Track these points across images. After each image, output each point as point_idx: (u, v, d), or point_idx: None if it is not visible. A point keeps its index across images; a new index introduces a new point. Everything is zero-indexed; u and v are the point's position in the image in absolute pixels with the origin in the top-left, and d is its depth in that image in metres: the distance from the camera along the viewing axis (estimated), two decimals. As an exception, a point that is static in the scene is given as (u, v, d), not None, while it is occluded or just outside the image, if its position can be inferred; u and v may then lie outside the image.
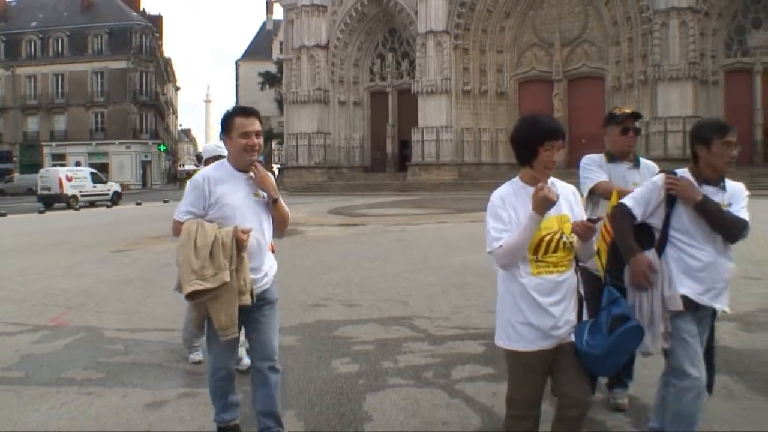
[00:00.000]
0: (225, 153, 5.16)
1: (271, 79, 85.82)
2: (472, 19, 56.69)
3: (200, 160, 5.82)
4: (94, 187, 47.20)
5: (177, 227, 4.76)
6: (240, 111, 4.89)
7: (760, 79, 50.96)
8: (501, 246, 4.01)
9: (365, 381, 6.59)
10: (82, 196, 45.35)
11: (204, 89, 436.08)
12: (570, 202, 4.24)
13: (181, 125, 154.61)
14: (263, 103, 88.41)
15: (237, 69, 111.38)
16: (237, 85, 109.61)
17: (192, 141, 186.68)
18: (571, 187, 4.37)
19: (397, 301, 10.54)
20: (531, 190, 4.02)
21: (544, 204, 3.92)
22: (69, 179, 44.81)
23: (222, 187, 4.76)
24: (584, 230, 4.01)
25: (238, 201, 4.76)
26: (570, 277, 4.10)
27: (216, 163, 5.06)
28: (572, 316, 4.09)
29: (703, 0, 50.28)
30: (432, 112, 56.11)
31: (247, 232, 4.60)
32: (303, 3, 60.61)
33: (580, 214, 4.25)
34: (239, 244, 4.57)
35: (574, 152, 55.08)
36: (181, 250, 4.58)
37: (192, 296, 4.52)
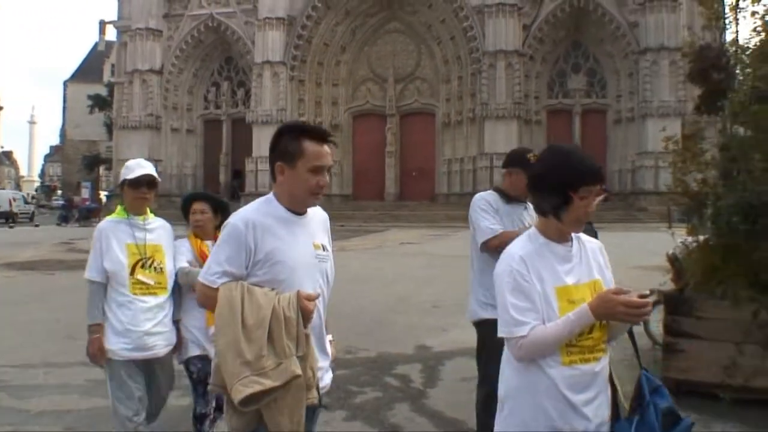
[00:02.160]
0: (147, 173, 5.10)
1: (101, 102, 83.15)
2: (309, 52, 57.31)
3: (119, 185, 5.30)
4: None
5: (208, 294, 3.35)
6: (314, 133, 3.53)
7: (578, 120, 54.35)
8: (528, 335, 2.98)
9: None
10: None
11: (29, 110, 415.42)
12: (600, 264, 3.29)
13: (2, 147, 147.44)
14: (91, 127, 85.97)
15: (65, 90, 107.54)
16: (64, 107, 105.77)
17: (13, 164, 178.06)
18: (598, 243, 3.40)
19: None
20: (558, 248, 3.14)
21: (613, 315, 2.99)
22: None
23: (273, 237, 3.39)
24: (637, 308, 2.95)
25: (295, 258, 3.41)
26: (606, 365, 3.15)
27: (260, 201, 3.57)
28: (607, 414, 3.14)
29: (528, 45, 53.11)
30: (266, 142, 54.02)
31: (313, 298, 3.34)
32: (138, 26, 59.29)
33: (611, 279, 3.30)
34: (305, 315, 3.27)
35: (405, 186, 56.76)
36: (223, 332, 3.17)
37: (247, 402, 3.10)
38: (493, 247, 5.12)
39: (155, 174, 5.21)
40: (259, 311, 3.17)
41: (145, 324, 4.99)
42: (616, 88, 54.18)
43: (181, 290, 5.39)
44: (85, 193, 67.37)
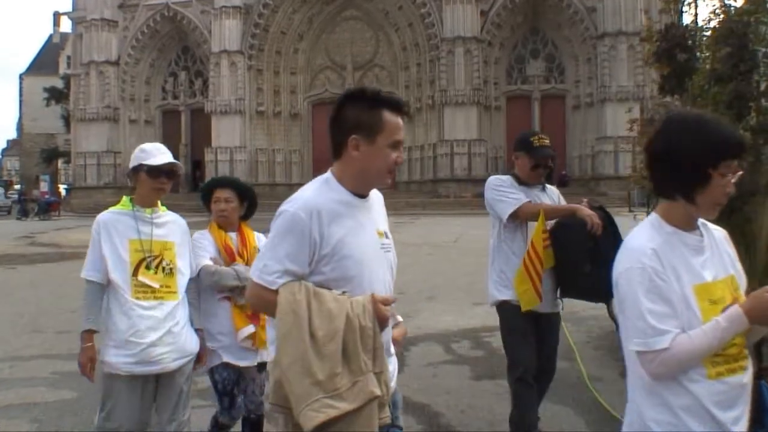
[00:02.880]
0: (154, 161, 4.43)
1: (57, 95, 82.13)
2: (266, 40, 57.04)
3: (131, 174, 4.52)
4: None
5: (265, 298, 2.78)
6: (393, 103, 2.94)
7: (537, 105, 54.66)
8: (671, 348, 2.43)
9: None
10: None
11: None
12: (730, 256, 2.72)
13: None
14: (48, 120, 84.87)
15: (21, 83, 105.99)
16: (21, 101, 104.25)
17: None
18: (723, 231, 2.77)
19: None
20: (688, 238, 2.59)
21: None
22: None
23: (339, 226, 2.82)
24: None
25: (363, 250, 2.88)
26: (751, 375, 2.61)
27: (319, 182, 2.95)
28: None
29: (486, 30, 53.22)
30: (226, 132, 55.88)
31: (390, 302, 2.85)
32: (93, 17, 58.67)
33: (743, 273, 2.75)
34: (381, 323, 2.77)
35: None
36: (288, 345, 2.61)
37: (321, 428, 2.55)
38: (526, 215, 5.13)
39: (177, 162, 4.54)
40: (330, 321, 2.62)
41: (148, 335, 4.22)
42: (575, 74, 54.56)
43: (201, 292, 4.81)
44: (44, 186, 66.45)
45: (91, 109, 59.18)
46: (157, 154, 4.43)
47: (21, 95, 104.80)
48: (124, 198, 4.50)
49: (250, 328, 4.81)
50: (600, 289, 4.71)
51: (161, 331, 4.26)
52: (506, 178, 5.35)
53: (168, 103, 61.83)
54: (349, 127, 2.86)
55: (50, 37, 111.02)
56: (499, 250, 5.36)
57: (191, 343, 4.51)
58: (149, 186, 4.43)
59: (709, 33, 9.22)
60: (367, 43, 58.30)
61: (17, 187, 73.53)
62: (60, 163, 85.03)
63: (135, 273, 4.28)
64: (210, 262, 4.83)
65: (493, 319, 10.37)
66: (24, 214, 50.82)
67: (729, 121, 6.92)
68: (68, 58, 76.34)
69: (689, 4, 9.72)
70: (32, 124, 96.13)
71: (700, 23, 9.44)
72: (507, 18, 54.22)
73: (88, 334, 4.31)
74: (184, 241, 4.61)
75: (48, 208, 50.84)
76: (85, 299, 4.35)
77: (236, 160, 55.63)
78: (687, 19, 9.89)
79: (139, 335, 4.22)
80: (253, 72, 56.73)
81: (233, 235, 5.09)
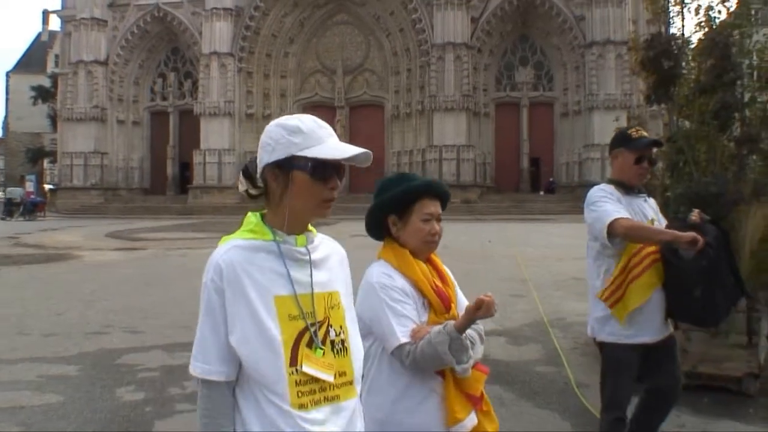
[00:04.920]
0: (323, 152, 2.27)
1: (44, 94, 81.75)
2: (257, 43, 56.98)
3: (248, 174, 2.39)
4: None
5: None
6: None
7: (526, 112, 54.81)
8: None
9: (152, 408, 6.61)
10: None
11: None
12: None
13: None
14: (35, 119, 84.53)
15: (7, 81, 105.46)
16: (7, 99, 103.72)
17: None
18: None
19: (181, 326, 10.49)
20: None
21: None
22: None
23: None
24: None
25: None
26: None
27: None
28: None
29: (476, 37, 53.43)
30: (214, 135, 55.74)
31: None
32: (82, 15, 58.47)
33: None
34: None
35: (355, 178, 56.84)
36: None
37: None
38: (621, 232, 4.39)
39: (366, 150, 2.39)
40: None
41: None
42: (563, 81, 54.91)
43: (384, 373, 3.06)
44: (30, 186, 66.13)
45: (78, 109, 58.90)
46: (325, 137, 2.34)
47: (7, 93, 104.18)
48: (252, 217, 2.39)
49: (471, 419, 3.06)
50: (708, 314, 4.53)
51: None
52: (609, 189, 4.67)
53: (157, 104, 61.65)
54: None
55: (38, 35, 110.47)
56: (601, 273, 4.68)
57: None
58: (313, 196, 2.30)
59: (694, 44, 9.37)
60: (358, 48, 58.39)
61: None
62: (46, 162, 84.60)
63: (294, 359, 2.22)
64: (410, 330, 2.97)
65: (484, 324, 10.46)
66: (8, 214, 50.52)
67: (714, 131, 6.93)
68: (56, 56, 76.19)
69: (676, 15, 9.83)
70: (18, 122, 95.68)
71: (687, 35, 9.59)
72: (497, 25, 54.52)
73: None
74: (349, 286, 2.53)
75: (33, 209, 50.53)
76: (203, 410, 2.26)
77: (225, 162, 55.46)
78: (674, 30, 10.00)
79: None
80: (243, 74, 56.65)
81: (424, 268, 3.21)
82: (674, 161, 8.20)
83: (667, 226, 4.61)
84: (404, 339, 2.90)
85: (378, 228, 3.33)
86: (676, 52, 8.65)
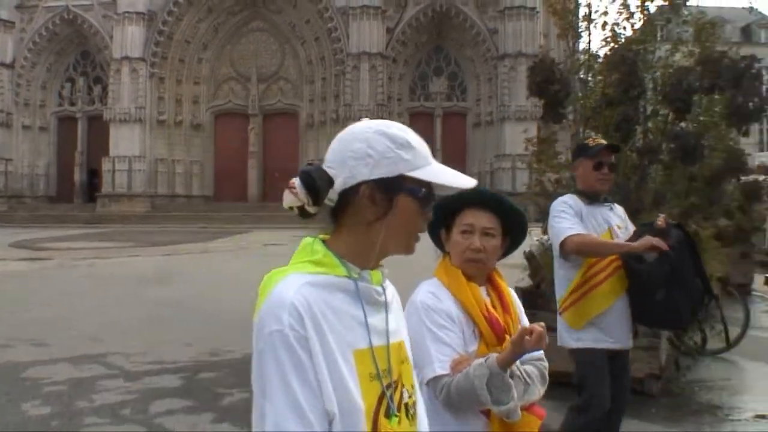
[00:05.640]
0: (442, 179, 1.89)
1: (-54, 97, 78.93)
2: (169, 48, 56.07)
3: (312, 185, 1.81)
4: None
5: None
6: None
7: (440, 122, 55.37)
8: None
9: (59, 422, 6.49)
10: None
11: None
12: None
13: None
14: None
15: None
16: None
17: None
18: None
19: (89, 338, 10.33)
20: None
21: None
22: None
23: None
24: None
25: None
26: None
27: None
28: None
29: (391, 47, 53.81)
30: (125, 141, 54.47)
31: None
32: (-13, 17, 56.60)
33: None
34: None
35: (268, 186, 56.41)
36: None
37: None
38: (572, 249, 4.52)
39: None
40: None
41: None
42: (476, 92, 55.65)
43: None
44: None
45: (-19, 113, 56.95)
46: (430, 156, 1.90)
47: None
48: (315, 245, 1.84)
49: None
50: (670, 317, 4.65)
51: None
52: (571, 200, 4.73)
53: (65, 109, 59.90)
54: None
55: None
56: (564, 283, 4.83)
57: None
58: (413, 227, 1.85)
59: (601, 59, 9.71)
60: (273, 56, 58.03)
61: None
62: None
63: (375, 427, 1.75)
64: (449, 360, 2.62)
65: None
66: None
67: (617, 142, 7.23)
68: (-41, 58, 73.54)
69: (583, 31, 10.17)
70: None
71: (595, 50, 9.94)
72: (412, 36, 54.96)
73: None
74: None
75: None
76: None
77: (135, 170, 54.27)
78: (582, 45, 10.37)
79: None
80: (155, 80, 55.64)
81: (483, 291, 2.83)
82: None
83: (636, 231, 4.74)
84: (441, 371, 2.54)
85: (438, 244, 2.95)
86: (559, 76, 8.90)
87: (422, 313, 2.63)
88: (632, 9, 9.51)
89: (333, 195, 1.78)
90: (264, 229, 39.13)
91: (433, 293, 2.70)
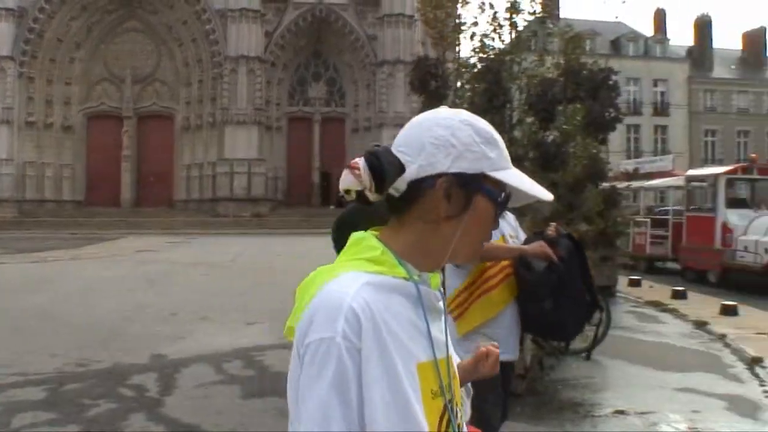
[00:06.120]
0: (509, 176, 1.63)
1: None
2: (40, 47, 54.16)
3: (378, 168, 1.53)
4: None
5: None
6: None
7: (318, 127, 55.56)
8: None
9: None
10: None
11: None
12: None
13: None
14: None
15: None
16: None
17: None
18: None
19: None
20: None
21: None
22: None
23: None
24: None
25: None
26: None
27: None
28: None
29: (270, 51, 53.61)
30: (-11, 143, 52.41)
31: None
32: None
33: None
34: None
35: (142, 191, 55.22)
36: None
37: None
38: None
39: None
40: None
41: None
42: (355, 98, 56.16)
43: None
44: None
45: None
46: (509, 160, 1.64)
47: None
48: (371, 241, 1.57)
49: None
50: (557, 327, 4.61)
51: None
52: None
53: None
54: None
55: None
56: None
57: None
58: (484, 233, 1.62)
59: (470, 69, 9.99)
60: (149, 57, 56.90)
61: None
62: None
63: None
64: None
65: (266, 338, 10.59)
66: None
67: None
68: None
69: (454, 41, 10.47)
70: None
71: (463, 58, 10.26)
72: (291, 40, 54.91)
73: None
74: None
75: None
76: None
77: (2, 173, 51.97)
78: (454, 53, 10.72)
79: None
80: (24, 80, 53.62)
81: None
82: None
83: (527, 240, 4.75)
84: None
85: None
86: (440, 74, 9.12)
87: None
88: (501, 21, 9.84)
89: (401, 184, 1.51)
90: (138, 235, 38.47)
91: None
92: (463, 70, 9.97)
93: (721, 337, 11.25)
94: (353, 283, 1.42)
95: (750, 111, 66.90)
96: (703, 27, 69.31)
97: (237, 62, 52.46)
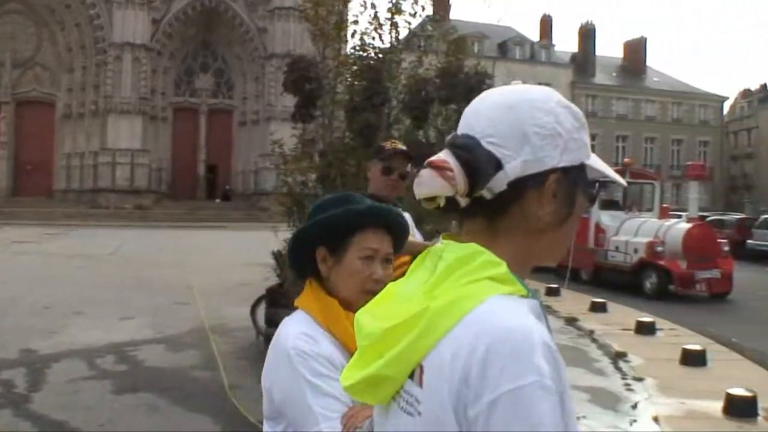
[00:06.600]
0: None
1: None
2: None
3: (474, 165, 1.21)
4: None
5: None
6: None
7: (204, 119, 54.80)
8: None
9: None
10: None
11: None
12: None
13: None
14: None
15: None
16: None
17: None
18: None
19: None
20: None
21: None
22: None
23: None
24: None
25: None
26: None
27: None
28: None
29: (157, 39, 52.49)
30: None
31: None
32: None
33: None
34: None
35: (19, 180, 53.31)
36: None
37: None
38: None
39: None
40: None
41: None
42: (243, 91, 55.63)
43: None
44: None
45: None
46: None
47: None
48: (490, 256, 1.20)
49: None
50: None
51: None
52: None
53: None
54: None
55: None
56: None
57: None
58: (574, 232, 1.38)
59: (349, 67, 10.07)
60: (29, 40, 54.77)
61: None
62: None
63: None
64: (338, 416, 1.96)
65: (141, 333, 10.56)
66: None
67: (362, 147, 7.46)
68: None
69: (334, 39, 10.54)
70: None
71: (342, 56, 10.34)
72: (179, 29, 53.91)
73: None
74: None
75: None
76: None
77: None
78: (333, 52, 10.79)
79: None
80: None
81: None
82: (325, 173, 8.83)
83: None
84: (328, 430, 1.92)
85: (303, 262, 2.22)
86: (315, 76, 9.15)
87: (297, 362, 2.00)
88: (381, 21, 9.94)
89: (498, 184, 1.21)
90: (14, 226, 37.16)
91: (307, 334, 2.06)
92: (344, 68, 10.06)
93: (590, 333, 11.64)
94: (518, 310, 1.14)
95: (628, 117, 69.53)
96: (587, 35, 71.63)
97: (122, 49, 51.11)
